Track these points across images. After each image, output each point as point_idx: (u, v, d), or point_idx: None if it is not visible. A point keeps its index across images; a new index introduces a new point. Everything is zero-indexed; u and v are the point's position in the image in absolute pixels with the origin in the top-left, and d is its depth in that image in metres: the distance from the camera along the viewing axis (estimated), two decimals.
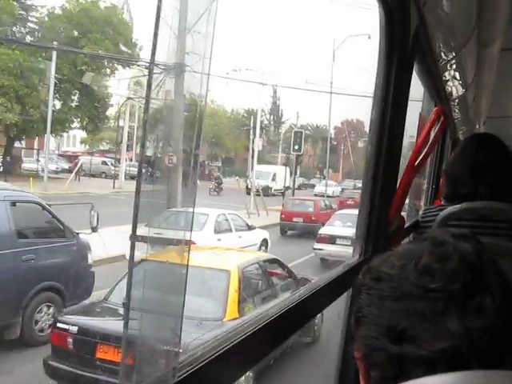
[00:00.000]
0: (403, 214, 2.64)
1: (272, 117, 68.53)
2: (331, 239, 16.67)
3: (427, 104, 3.80)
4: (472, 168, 2.50)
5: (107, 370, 6.32)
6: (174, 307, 0.94)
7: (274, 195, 32.25)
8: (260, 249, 15.20)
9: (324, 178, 52.09)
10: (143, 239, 0.90)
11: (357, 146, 67.93)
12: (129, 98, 37.48)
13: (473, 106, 4.91)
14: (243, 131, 56.65)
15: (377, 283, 0.91)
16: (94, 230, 10.11)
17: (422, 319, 0.83)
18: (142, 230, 0.90)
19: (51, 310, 9.17)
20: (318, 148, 74.45)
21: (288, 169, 43.82)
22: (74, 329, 6.99)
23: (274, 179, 44.97)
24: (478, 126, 6.26)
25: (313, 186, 51.91)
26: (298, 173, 56.88)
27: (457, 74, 3.50)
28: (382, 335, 0.86)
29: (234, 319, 7.23)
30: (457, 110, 4.70)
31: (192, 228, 0.99)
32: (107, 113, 38.54)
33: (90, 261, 10.35)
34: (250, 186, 34.79)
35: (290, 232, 23.00)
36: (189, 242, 0.96)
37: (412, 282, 0.86)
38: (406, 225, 2.75)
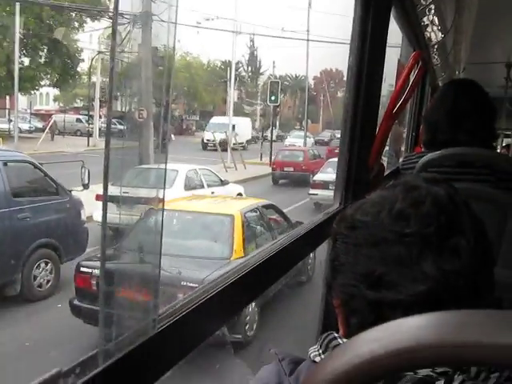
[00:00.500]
0: (383, 161, 2.64)
1: (250, 68, 67.06)
2: (325, 185, 17.26)
3: (406, 51, 3.76)
4: (451, 114, 2.48)
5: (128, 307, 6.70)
6: (151, 263, 0.93)
7: (234, 149, 28.83)
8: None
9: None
10: (111, 199, 0.87)
11: (336, 95, 67.24)
12: (100, 52, 36.00)
13: (452, 52, 4.88)
14: (221, 83, 55.32)
15: (352, 231, 0.91)
16: (85, 187, 10.12)
17: (398, 264, 0.84)
18: (111, 190, 0.88)
19: (49, 266, 9.35)
20: (297, 99, 73.30)
21: (249, 120, 41.78)
22: (97, 271, 7.14)
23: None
24: (457, 73, 6.24)
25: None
26: (277, 124, 56.39)
27: (436, 19, 3.46)
28: (359, 282, 0.87)
29: (241, 258, 7.76)
30: (436, 57, 4.67)
31: (165, 185, 0.96)
32: (79, 68, 37.30)
33: (83, 217, 10.39)
34: (206, 140, 34.29)
35: (281, 181, 23.86)
36: (162, 200, 0.94)
37: (386, 228, 0.86)
38: (387, 172, 2.76)
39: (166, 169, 0.94)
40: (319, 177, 18.80)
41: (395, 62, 3.32)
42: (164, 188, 0.92)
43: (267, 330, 7.89)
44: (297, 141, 41.14)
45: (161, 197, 0.92)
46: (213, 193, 14.20)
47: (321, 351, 0.93)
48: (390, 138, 4.87)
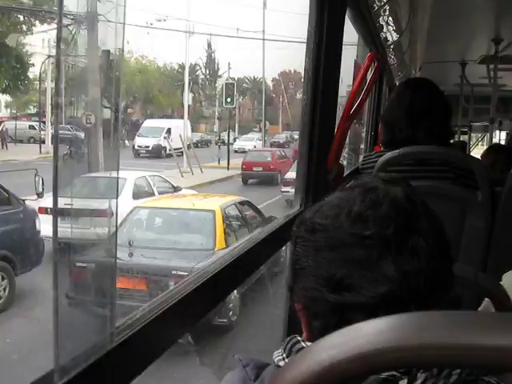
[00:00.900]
0: (343, 162, 2.66)
1: (208, 70, 66.07)
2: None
3: (362, 51, 3.79)
4: (408, 113, 2.51)
5: (124, 297, 7.28)
6: (106, 275, 0.91)
7: (169, 156, 27.38)
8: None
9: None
10: (59, 212, 0.84)
11: (295, 97, 67.01)
12: (49, 56, 33.42)
13: (408, 52, 4.95)
14: (178, 86, 54.46)
15: (311, 235, 0.90)
16: (39, 195, 9.83)
17: (358, 267, 0.84)
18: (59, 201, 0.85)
19: (3, 280, 8.95)
20: (256, 101, 72.47)
21: (189, 122, 37.20)
22: (92, 265, 7.40)
23: (168, 137, 34.90)
24: (413, 72, 6.33)
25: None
26: (237, 127, 55.90)
27: (390, 20, 3.50)
28: (320, 286, 0.86)
29: (223, 249, 8.64)
30: (392, 56, 4.74)
31: (117, 195, 0.93)
32: (30, 74, 35.70)
33: (38, 227, 10.01)
34: (138, 146, 31.01)
35: (250, 181, 24.53)
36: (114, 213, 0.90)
37: (346, 231, 0.86)
38: (347, 172, 2.77)
39: (117, 177, 0.91)
40: (290, 175, 18.99)
41: (352, 62, 3.34)
42: (116, 198, 0.89)
43: (248, 315, 8.50)
44: (246, 144, 39.71)
45: (113, 209, 0.89)
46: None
47: (284, 355, 0.92)
48: (349, 138, 4.91)
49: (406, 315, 0.52)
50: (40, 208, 10.70)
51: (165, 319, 1.05)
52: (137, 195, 13.06)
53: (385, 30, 3.70)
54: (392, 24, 3.70)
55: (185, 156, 26.68)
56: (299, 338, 0.93)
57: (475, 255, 2.43)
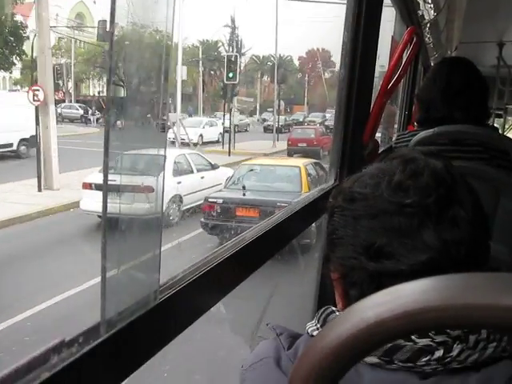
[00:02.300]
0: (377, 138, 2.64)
1: (231, 48, 62.31)
2: None
3: (399, 28, 3.75)
4: (444, 92, 2.48)
5: (243, 221, 10.62)
6: (152, 232, 0.93)
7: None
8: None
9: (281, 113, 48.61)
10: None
11: (322, 76, 64.84)
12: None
13: (445, 31, 4.87)
14: (193, 63, 52.49)
15: (350, 203, 0.91)
16: None
17: (398, 235, 0.84)
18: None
19: None
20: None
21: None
22: (220, 200, 11.79)
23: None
24: (449, 52, 6.23)
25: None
26: (258, 107, 54.02)
27: None
28: (359, 254, 0.86)
29: (306, 192, 11.40)
30: (428, 35, 4.66)
31: (164, 173, 0.96)
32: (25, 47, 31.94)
33: None
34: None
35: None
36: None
37: (386, 199, 0.86)
38: (381, 150, 2.76)
39: (165, 155, 0.93)
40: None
41: (389, 40, 3.31)
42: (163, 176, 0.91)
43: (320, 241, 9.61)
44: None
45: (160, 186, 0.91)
46: (202, 177, 14.57)
47: (319, 325, 0.93)
48: (383, 117, 4.87)
49: (450, 276, 0.52)
50: (85, 183, 12.21)
51: (203, 282, 1.07)
52: (177, 172, 13.92)
53: (422, 7, 3.64)
54: (430, 1, 3.64)
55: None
56: (333, 309, 0.94)
57: (509, 237, 2.41)
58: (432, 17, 3.88)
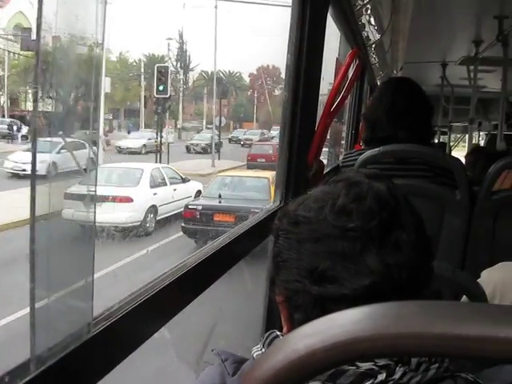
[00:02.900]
0: (323, 160, 2.66)
1: (179, 63, 58.69)
2: None
3: (344, 49, 3.80)
4: (389, 112, 2.52)
5: (220, 226, 11.58)
6: (84, 263, 0.90)
7: None
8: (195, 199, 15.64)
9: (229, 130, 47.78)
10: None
11: (273, 93, 64.51)
12: None
13: (390, 52, 4.98)
14: (134, 78, 49.27)
15: (295, 227, 0.91)
16: None
17: (342, 259, 0.85)
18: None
19: None
20: (231, 97, 67.40)
21: None
22: (199, 207, 13.20)
23: None
24: (395, 72, 6.37)
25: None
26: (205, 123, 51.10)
27: (372, 19, 3.52)
28: (303, 278, 0.87)
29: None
30: (374, 56, 4.76)
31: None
32: None
33: None
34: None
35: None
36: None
37: (330, 223, 0.87)
38: (327, 170, 2.78)
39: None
40: None
41: (333, 61, 3.35)
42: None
43: None
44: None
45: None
46: (175, 190, 15.47)
47: (263, 350, 0.92)
48: (330, 136, 4.93)
49: (382, 304, 0.52)
50: (65, 193, 11.44)
51: (143, 311, 1.05)
52: (153, 184, 15.03)
53: (367, 28, 3.71)
54: (374, 23, 3.71)
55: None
56: (278, 333, 0.94)
57: (453, 253, 2.46)
58: (376, 38, 3.96)
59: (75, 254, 0.88)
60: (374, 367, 0.81)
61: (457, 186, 2.46)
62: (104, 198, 12.19)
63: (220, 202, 13.45)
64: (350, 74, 2.97)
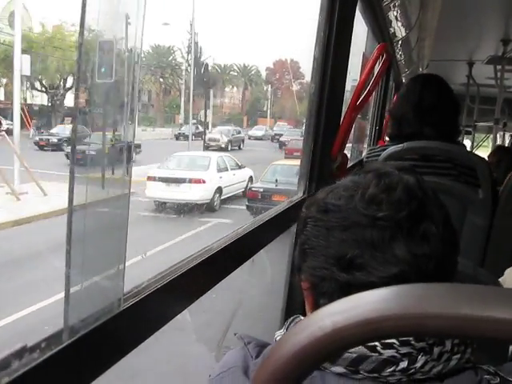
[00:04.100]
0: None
1: (189, 56, 55.70)
2: None
3: (371, 45, 3.79)
4: (416, 108, 2.51)
5: (276, 204, 11.65)
6: (117, 243, 0.92)
7: None
8: (247, 184, 18.92)
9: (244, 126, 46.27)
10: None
11: (290, 88, 61.73)
12: None
13: (416, 49, 4.94)
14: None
15: (324, 214, 0.92)
16: None
17: (370, 247, 0.86)
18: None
19: None
20: (247, 91, 65.54)
21: None
22: (261, 189, 15.85)
23: None
24: (420, 69, 6.31)
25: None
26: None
27: (400, 15, 3.50)
28: (331, 265, 0.88)
29: None
30: (400, 52, 4.72)
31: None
32: None
33: None
34: None
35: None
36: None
37: (360, 212, 0.88)
38: (350, 164, 2.78)
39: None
40: None
41: (360, 57, 3.35)
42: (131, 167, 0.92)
43: None
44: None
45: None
46: (234, 174, 18.78)
47: None
48: (353, 132, 4.92)
49: (410, 285, 0.53)
50: (149, 176, 16.09)
51: (169, 290, 1.07)
52: (218, 169, 18.21)
53: (394, 24, 3.69)
54: (401, 19, 3.69)
55: None
56: (302, 318, 0.95)
57: (474, 252, 2.45)
58: (403, 34, 3.94)
59: (109, 242, 0.91)
60: (396, 354, 0.82)
61: (480, 185, 2.45)
62: (182, 180, 16.31)
63: (276, 186, 15.67)
64: (377, 68, 2.96)
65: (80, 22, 0.81)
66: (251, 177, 19.54)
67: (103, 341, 0.88)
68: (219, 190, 17.07)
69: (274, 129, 45.49)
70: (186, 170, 17.19)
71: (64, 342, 0.78)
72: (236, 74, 64.76)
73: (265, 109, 62.14)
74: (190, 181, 16.51)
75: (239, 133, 38.57)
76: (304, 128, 2.45)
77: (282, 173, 16.79)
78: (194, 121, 39.15)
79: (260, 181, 17.26)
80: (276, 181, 16.09)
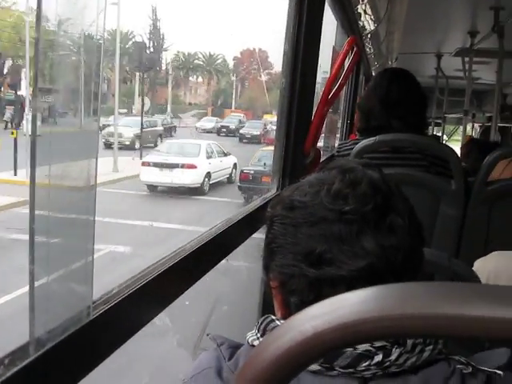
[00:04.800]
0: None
1: (152, 42, 52.96)
2: None
3: (341, 38, 3.80)
4: (384, 101, 2.54)
5: (265, 184, 13.12)
6: (84, 245, 0.89)
7: None
8: (232, 171, 20.45)
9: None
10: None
11: (258, 78, 59.29)
12: None
13: (385, 42, 4.98)
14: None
15: (290, 212, 0.92)
16: None
17: (338, 241, 0.86)
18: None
19: None
20: (212, 81, 62.77)
21: None
22: (252, 171, 17.28)
23: None
24: (390, 63, 6.37)
25: None
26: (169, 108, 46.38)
27: (369, 9, 3.51)
28: (299, 261, 0.88)
29: None
30: (369, 46, 4.75)
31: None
32: None
33: None
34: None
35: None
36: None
37: (326, 207, 0.88)
38: (322, 159, 2.78)
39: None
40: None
41: (330, 48, 3.35)
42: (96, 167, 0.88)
43: None
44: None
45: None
46: (221, 161, 19.97)
47: (259, 335, 0.93)
48: (325, 126, 4.94)
49: (388, 286, 0.52)
50: (143, 162, 18.00)
51: (141, 296, 1.05)
52: (207, 155, 19.45)
53: (363, 18, 3.71)
54: (370, 13, 3.70)
55: None
56: (273, 317, 0.94)
57: (448, 242, 2.47)
58: (372, 28, 3.95)
59: (75, 235, 0.87)
60: (370, 348, 0.83)
61: (452, 176, 2.47)
62: (175, 166, 17.73)
63: (265, 168, 16.13)
64: (347, 63, 2.96)
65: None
66: (235, 164, 20.76)
67: (72, 353, 0.84)
68: (208, 174, 18.56)
69: (225, 120, 41.46)
70: (179, 156, 18.59)
71: (31, 355, 0.75)
72: (202, 62, 62.43)
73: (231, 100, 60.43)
74: (183, 166, 17.92)
75: (155, 125, 29.21)
76: (276, 123, 2.43)
77: (268, 157, 17.66)
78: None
79: (250, 164, 18.41)
80: (264, 164, 16.83)
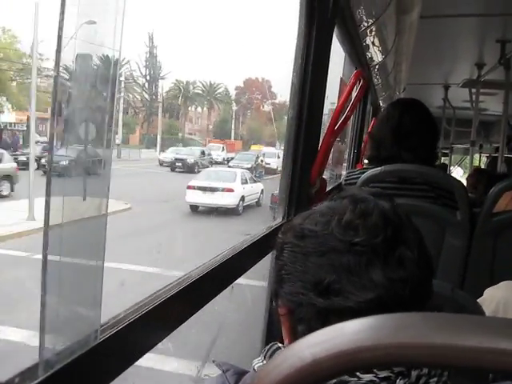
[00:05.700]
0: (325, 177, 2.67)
1: (148, 70, 52.86)
2: None
3: (348, 69, 3.84)
4: (395, 132, 2.54)
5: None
6: (93, 270, 0.91)
7: None
8: (259, 195, 23.22)
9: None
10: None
11: (261, 109, 58.82)
12: None
13: (393, 73, 5.01)
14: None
15: (301, 240, 0.92)
16: None
17: (347, 272, 0.86)
18: None
19: None
20: (214, 112, 60.35)
21: None
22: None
23: None
24: (397, 93, 6.40)
25: None
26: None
27: (377, 41, 3.55)
28: (308, 290, 0.88)
29: None
30: (377, 77, 4.79)
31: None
32: None
33: None
34: None
35: None
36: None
37: (336, 237, 0.88)
38: (329, 188, 2.79)
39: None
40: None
41: (338, 80, 3.38)
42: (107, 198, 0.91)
43: None
44: None
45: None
46: (252, 187, 22.97)
47: (265, 362, 0.93)
48: (332, 155, 4.96)
49: (384, 316, 0.53)
50: (189, 186, 20.70)
51: (148, 320, 1.06)
52: (242, 181, 22.46)
53: (371, 49, 3.75)
54: (378, 44, 3.74)
55: None
56: (280, 345, 0.95)
57: (453, 273, 2.47)
58: (380, 59, 3.99)
59: (86, 263, 0.90)
60: (375, 379, 0.82)
61: (458, 207, 2.47)
62: (216, 189, 20.73)
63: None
64: (354, 94, 3.00)
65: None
66: (262, 189, 23.63)
67: (79, 375, 0.86)
68: (242, 198, 21.57)
69: (184, 151, 35.97)
70: (218, 181, 21.84)
71: (39, 377, 0.77)
72: (201, 92, 60.22)
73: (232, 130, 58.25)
74: (223, 189, 20.99)
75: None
76: (283, 152, 2.45)
77: None
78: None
79: (278, 190, 21.01)
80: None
